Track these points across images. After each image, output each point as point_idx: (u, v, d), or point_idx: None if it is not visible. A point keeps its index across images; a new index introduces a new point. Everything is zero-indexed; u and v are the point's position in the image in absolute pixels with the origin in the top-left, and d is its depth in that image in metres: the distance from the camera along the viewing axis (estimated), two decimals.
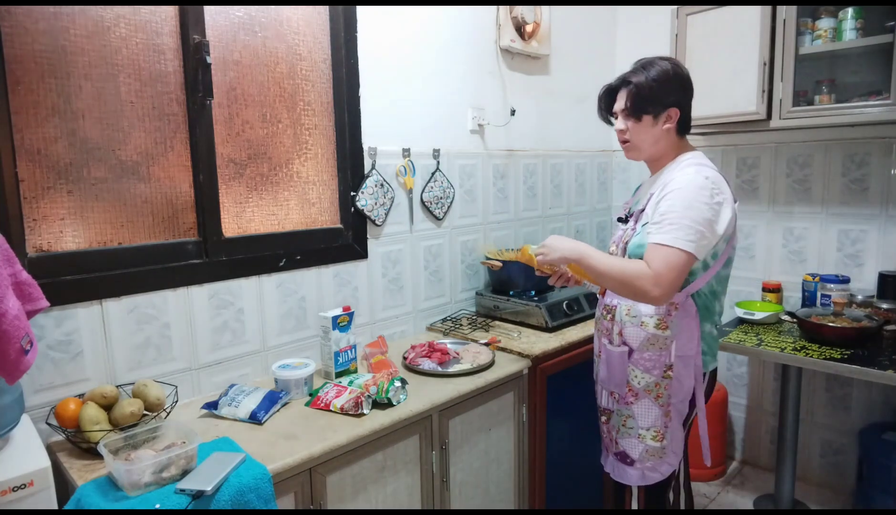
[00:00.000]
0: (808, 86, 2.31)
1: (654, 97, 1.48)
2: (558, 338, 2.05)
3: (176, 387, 1.53)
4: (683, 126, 1.55)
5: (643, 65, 1.51)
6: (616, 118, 1.58)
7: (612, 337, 1.57)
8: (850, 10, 2.11)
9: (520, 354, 1.92)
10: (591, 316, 2.26)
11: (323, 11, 1.92)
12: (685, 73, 1.53)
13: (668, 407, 1.51)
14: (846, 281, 2.35)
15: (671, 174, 1.48)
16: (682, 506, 1.64)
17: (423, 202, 2.22)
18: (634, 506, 1.60)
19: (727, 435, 2.81)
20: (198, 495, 1.11)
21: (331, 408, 1.53)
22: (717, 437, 2.66)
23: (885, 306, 2.17)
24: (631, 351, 1.52)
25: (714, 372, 1.60)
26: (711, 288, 1.50)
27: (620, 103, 1.54)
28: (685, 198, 1.38)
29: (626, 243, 1.52)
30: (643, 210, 1.51)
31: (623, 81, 1.53)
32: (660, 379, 1.50)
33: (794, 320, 2.29)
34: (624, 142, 1.57)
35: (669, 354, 1.48)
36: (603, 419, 1.67)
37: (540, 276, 1.68)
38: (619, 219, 1.66)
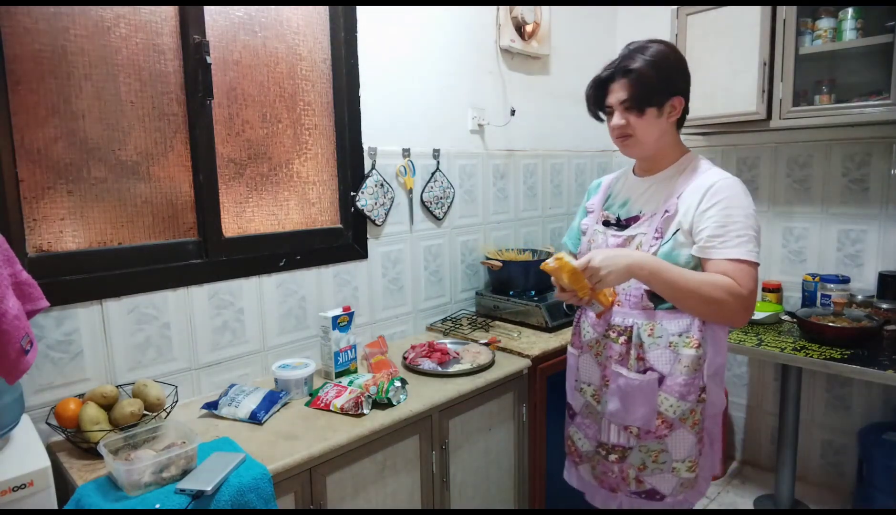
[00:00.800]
0: (808, 86, 2.31)
1: (658, 86, 1.31)
2: (558, 338, 2.05)
3: (176, 387, 1.53)
4: (684, 118, 1.41)
5: (638, 49, 1.33)
6: (610, 113, 1.39)
7: (630, 363, 1.37)
8: (850, 10, 2.11)
9: (520, 354, 1.92)
10: None
11: (323, 11, 1.92)
12: (683, 56, 1.39)
13: (702, 433, 1.38)
14: (846, 281, 2.35)
15: (689, 176, 1.36)
16: None
17: (423, 202, 2.22)
18: None
19: (727, 435, 2.81)
20: (198, 495, 1.11)
21: (331, 408, 1.53)
22: None
23: (885, 306, 2.17)
24: (661, 378, 1.35)
25: None
26: None
27: (619, 95, 1.33)
28: (741, 205, 1.28)
29: (653, 254, 1.33)
30: (671, 215, 1.34)
31: (619, 70, 1.33)
32: (695, 404, 1.35)
33: (794, 320, 2.29)
34: (625, 136, 1.37)
35: (702, 375, 1.35)
36: (613, 458, 1.44)
37: (544, 278, 1.47)
38: (607, 223, 1.47)
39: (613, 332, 1.40)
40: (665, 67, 1.32)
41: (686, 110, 1.40)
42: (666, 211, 1.34)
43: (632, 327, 1.37)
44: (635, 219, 1.42)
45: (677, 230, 1.33)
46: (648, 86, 1.31)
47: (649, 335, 1.35)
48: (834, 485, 2.57)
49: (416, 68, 2.18)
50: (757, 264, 1.28)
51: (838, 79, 2.28)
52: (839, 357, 1.93)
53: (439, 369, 1.79)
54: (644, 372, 1.36)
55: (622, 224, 1.44)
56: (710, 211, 1.28)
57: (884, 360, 1.88)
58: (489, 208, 2.51)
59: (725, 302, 1.25)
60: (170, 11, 1.59)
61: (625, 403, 1.38)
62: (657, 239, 1.34)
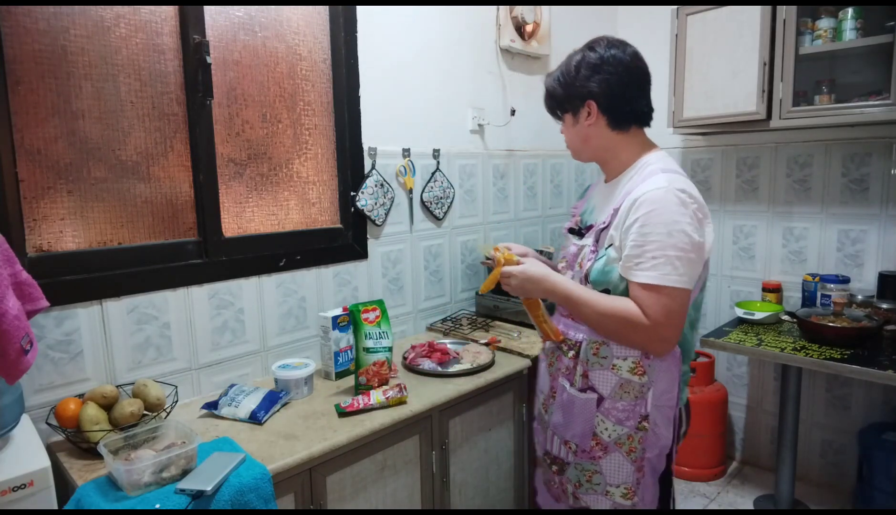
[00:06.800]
0: (808, 86, 2.31)
1: (564, 94, 1.34)
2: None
3: (176, 387, 1.53)
4: (620, 118, 1.31)
5: (567, 57, 1.37)
6: None
7: (575, 379, 1.33)
8: (850, 10, 2.11)
9: (520, 354, 1.92)
10: None
11: (323, 11, 1.92)
12: (607, 56, 1.29)
13: (642, 462, 1.29)
14: (846, 281, 2.35)
15: (636, 182, 1.26)
16: None
17: (423, 202, 2.22)
18: None
19: (727, 435, 2.81)
20: (198, 495, 1.11)
21: (371, 404, 1.52)
22: (717, 437, 2.67)
23: (885, 306, 2.17)
24: (600, 399, 1.29)
25: (687, 404, 1.41)
26: (690, 319, 1.28)
27: None
28: (664, 221, 1.16)
29: (587, 271, 1.29)
30: (606, 226, 1.28)
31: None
32: (633, 430, 1.28)
33: (794, 320, 2.29)
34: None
35: (646, 403, 1.27)
36: (553, 469, 1.41)
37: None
38: (571, 231, 1.44)
39: (565, 345, 1.36)
40: (571, 75, 1.33)
41: (617, 109, 1.31)
42: (605, 222, 1.29)
43: (581, 342, 1.31)
44: (590, 228, 1.37)
45: (610, 245, 1.26)
46: (555, 96, 1.38)
47: (594, 354, 1.29)
48: (834, 485, 2.57)
49: (416, 68, 2.18)
50: (675, 288, 1.17)
51: (838, 79, 2.28)
52: (839, 357, 1.93)
53: (439, 369, 1.79)
54: (586, 389, 1.31)
55: (581, 232, 1.40)
56: (633, 227, 1.20)
57: (884, 360, 1.88)
58: (489, 208, 2.51)
59: (628, 335, 1.22)
60: (170, 11, 1.59)
61: (566, 417, 1.35)
62: (593, 252, 1.29)
